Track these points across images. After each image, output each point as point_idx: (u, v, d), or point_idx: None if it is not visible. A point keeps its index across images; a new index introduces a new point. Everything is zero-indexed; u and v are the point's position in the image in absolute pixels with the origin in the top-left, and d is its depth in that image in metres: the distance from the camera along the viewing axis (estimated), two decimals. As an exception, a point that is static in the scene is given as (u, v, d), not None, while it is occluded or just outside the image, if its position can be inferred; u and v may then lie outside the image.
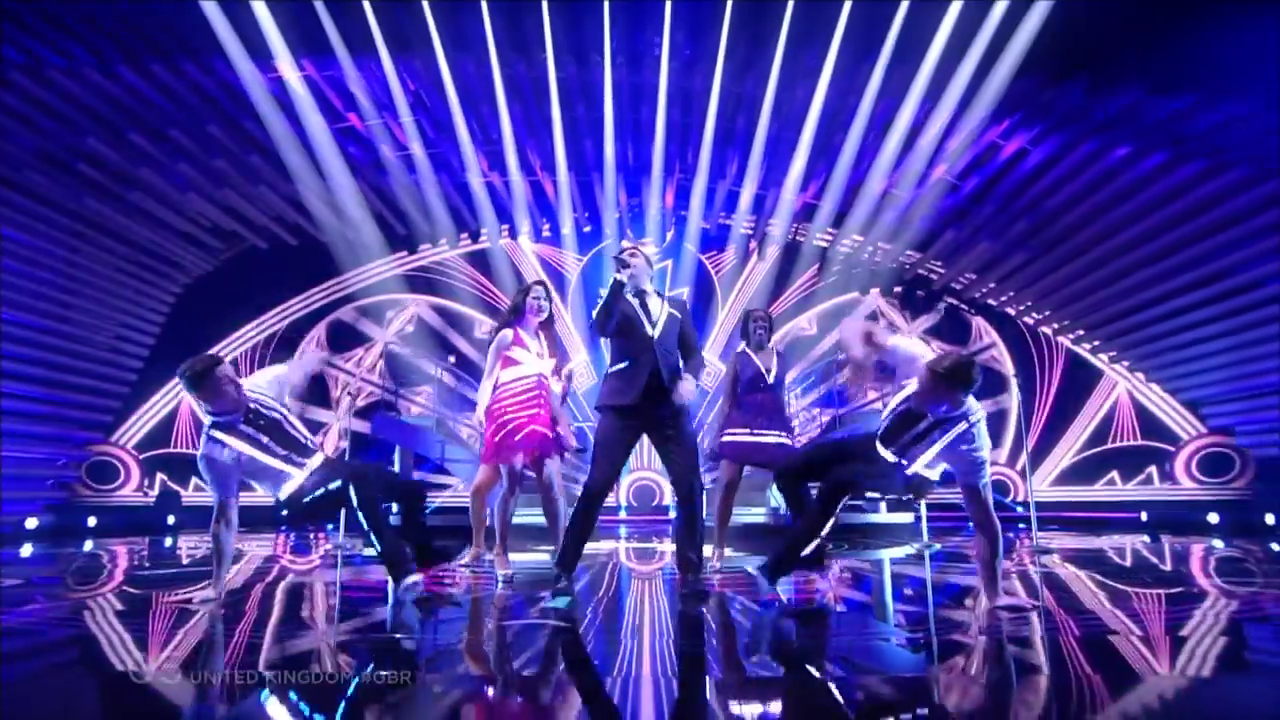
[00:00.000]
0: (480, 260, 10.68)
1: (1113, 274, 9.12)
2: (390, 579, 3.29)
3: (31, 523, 7.63)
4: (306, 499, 3.27)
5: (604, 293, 3.51)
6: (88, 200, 8.34)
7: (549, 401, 4.17)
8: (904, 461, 3.16)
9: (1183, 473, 9.07)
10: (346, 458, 6.54)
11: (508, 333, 4.12)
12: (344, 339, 10.24)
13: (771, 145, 9.62)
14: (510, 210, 10.45)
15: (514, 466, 4.06)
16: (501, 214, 10.46)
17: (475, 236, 10.69)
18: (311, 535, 7.36)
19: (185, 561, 5.30)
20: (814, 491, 3.43)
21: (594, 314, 3.54)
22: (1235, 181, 8.01)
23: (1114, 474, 9.42)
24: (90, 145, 8.13)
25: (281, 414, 3.31)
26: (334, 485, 3.27)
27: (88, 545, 6.47)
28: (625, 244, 3.74)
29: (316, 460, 3.36)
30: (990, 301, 10.10)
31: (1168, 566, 4.69)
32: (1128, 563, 4.93)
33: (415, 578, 3.25)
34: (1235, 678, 2.18)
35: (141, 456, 9.35)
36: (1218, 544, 5.99)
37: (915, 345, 3.22)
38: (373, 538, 3.26)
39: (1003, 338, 10.10)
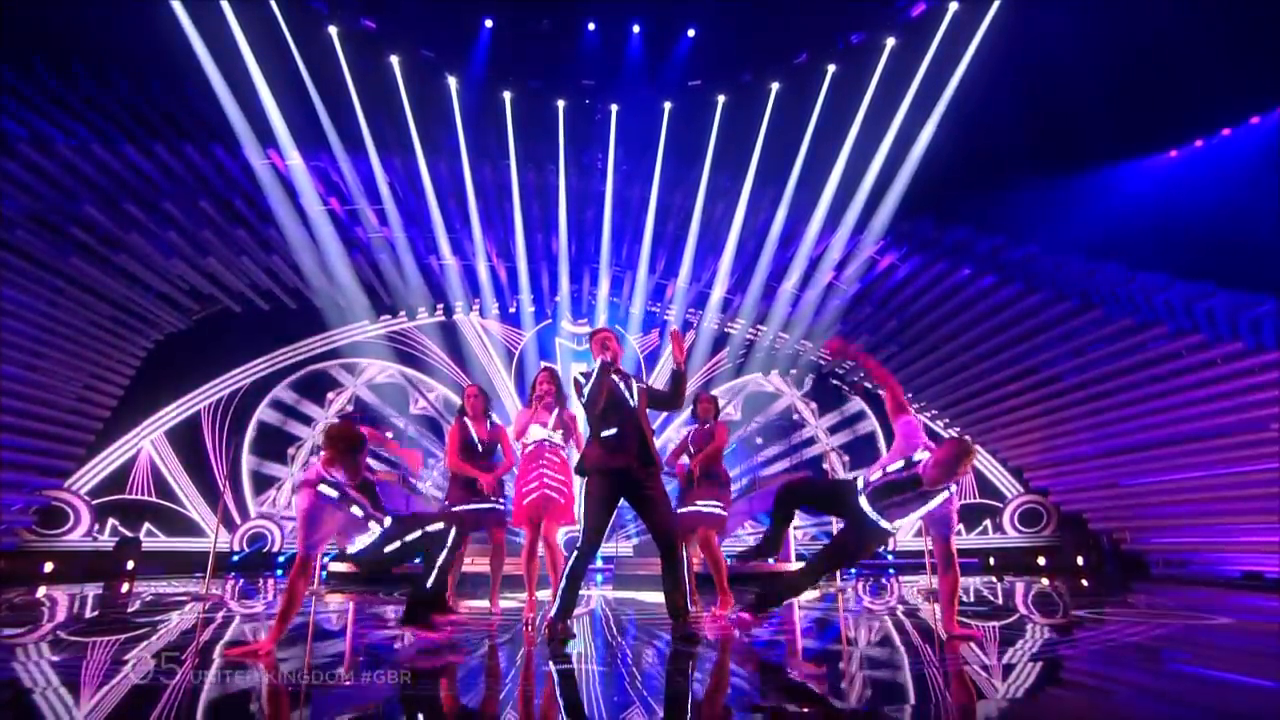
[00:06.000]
0: (442, 331, 11.04)
1: (958, 365, 10.60)
2: (406, 617, 3.38)
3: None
4: (387, 551, 3.30)
5: (579, 375, 3.66)
6: (74, 259, 8.28)
7: (557, 463, 4.29)
8: (881, 519, 3.38)
9: (1009, 524, 10.64)
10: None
11: (524, 413, 4.47)
12: (317, 385, 10.34)
13: (697, 248, 10.77)
14: (466, 290, 10.96)
15: (529, 525, 4.24)
16: (459, 292, 10.91)
17: (433, 311, 11.12)
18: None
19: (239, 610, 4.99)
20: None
21: (585, 393, 3.61)
22: (1041, 300, 9.68)
23: (960, 526, 10.81)
24: (85, 211, 8.19)
25: (372, 476, 3.43)
26: (411, 538, 3.33)
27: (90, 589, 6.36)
28: (602, 329, 3.80)
29: (388, 519, 3.38)
30: (867, 384, 11.51)
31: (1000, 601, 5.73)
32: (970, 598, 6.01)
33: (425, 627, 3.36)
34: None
35: (94, 502, 9.05)
36: (1044, 581, 7.30)
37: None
38: (430, 580, 3.34)
39: (874, 413, 11.47)
